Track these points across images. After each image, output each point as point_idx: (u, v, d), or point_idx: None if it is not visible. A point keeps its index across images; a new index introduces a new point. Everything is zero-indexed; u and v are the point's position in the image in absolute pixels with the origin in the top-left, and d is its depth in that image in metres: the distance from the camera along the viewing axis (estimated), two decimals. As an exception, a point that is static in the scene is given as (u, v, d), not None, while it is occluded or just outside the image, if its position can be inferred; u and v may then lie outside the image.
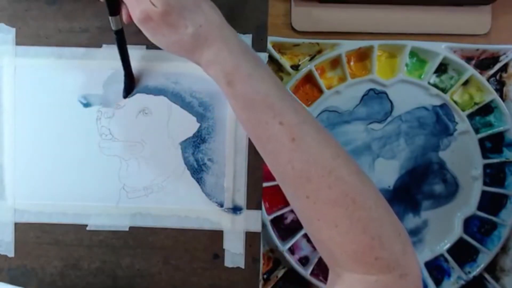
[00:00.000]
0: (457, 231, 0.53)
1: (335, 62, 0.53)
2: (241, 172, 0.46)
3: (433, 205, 0.54)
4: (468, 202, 0.53)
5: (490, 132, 0.53)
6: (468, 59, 0.53)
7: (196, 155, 0.46)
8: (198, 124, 0.46)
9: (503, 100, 0.53)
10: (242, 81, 0.35)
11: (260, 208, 0.46)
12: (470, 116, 0.53)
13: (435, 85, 0.53)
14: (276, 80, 0.36)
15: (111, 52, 0.45)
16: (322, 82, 0.52)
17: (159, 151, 0.46)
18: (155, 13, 0.34)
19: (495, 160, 0.53)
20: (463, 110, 0.53)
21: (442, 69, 0.53)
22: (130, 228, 0.46)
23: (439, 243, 0.53)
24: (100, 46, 0.46)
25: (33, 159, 0.46)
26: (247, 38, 0.45)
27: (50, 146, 0.46)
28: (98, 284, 0.46)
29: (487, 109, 0.53)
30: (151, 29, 0.36)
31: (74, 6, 0.46)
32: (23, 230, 0.46)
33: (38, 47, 0.46)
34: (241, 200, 0.46)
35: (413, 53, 0.53)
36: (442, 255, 0.53)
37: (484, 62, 0.53)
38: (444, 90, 0.53)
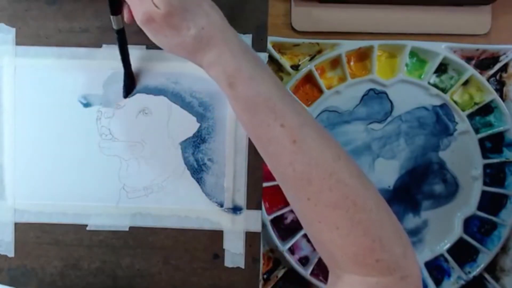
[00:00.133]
0: (457, 231, 0.53)
1: (335, 62, 0.53)
2: (241, 172, 0.46)
3: (433, 205, 0.54)
4: (468, 202, 0.53)
5: (490, 132, 0.53)
6: (468, 59, 0.53)
7: (196, 155, 0.46)
8: (198, 124, 0.46)
9: (503, 100, 0.53)
10: (244, 83, 0.35)
11: (260, 208, 0.46)
12: (470, 116, 0.53)
13: (435, 85, 0.53)
14: (277, 81, 0.36)
15: (111, 52, 0.45)
16: (322, 82, 0.52)
17: (159, 151, 0.46)
18: (158, 14, 0.34)
19: (495, 160, 0.53)
20: (463, 110, 0.53)
21: (442, 69, 0.53)
22: (130, 228, 0.46)
23: (439, 243, 0.53)
24: (100, 46, 0.46)
25: (33, 159, 0.46)
26: (247, 38, 0.45)
27: (50, 146, 0.46)
28: (98, 284, 0.46)
29: (487, 109, 0.53)
30: (153, 30, 0.36)
31: (74, 6, 0.46)
32: (23, 230, 0.46)
33: (38, 47, 0.46)
34: (241, 200, 0.46)
35: (413, 53, 0.53)
36: (442, 255, 0.53)
37: (484, 62, 0.53)
38: (444, 90, 0.53)
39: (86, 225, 0.46)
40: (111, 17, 0.39)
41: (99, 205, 0.46)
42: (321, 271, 0.52)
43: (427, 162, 0.53)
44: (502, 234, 0.53)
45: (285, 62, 0.52)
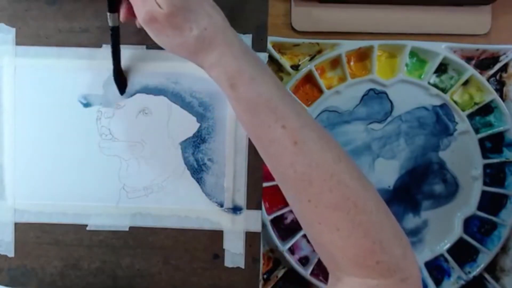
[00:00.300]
0: (457, 231, 0.53)
1: (335, 62, 0.53)
2: (241, 172, 0.46)
3: (433, 205, 0.54)
4: (468, 202, 0.53)
5: (490, 132, 0.53)
6: (468, 59, 0.53)
7: (196, 155, 0.46)
8: (198, 124, 0.46)
9: (503, 100, 0.53)
10: (245, 84, 0.35)
11: (260, 208, 0.46)
12: (470, 116, 0.53)
13: (435, 85, 0.53)
14: (278, 83, 0.36)
15: (111, 52, 0.45)
16: (322, 82, 0.52)
17: (159, 151, 0.46)
18: (160, 14, 0.34)
19: (495, 160, 0.53)
20: (463, 110, 0.53)
21: (442, 69, 0.53)
22: (130, 228, 0.46)
23: (439, 243, 0.53)
24: (100, 46, 0.46)
25: (33, 159, 0.46)
26: (247, 38, 0.45)
27: (50, 146, 0.46)
28: (98, 284, 0.46)
29: (487, 109, 0.53)
30: (156, 30, 0.36)
31: (74, 6, 0.46)
32: (23, 230, 0.46)
33: (38, 47, 0.46)
34: (241, 200, 0.46)
35: (413, 53, 0.53)
36: (442, 255, 0.53)
37: (484, 62, 0.53)
38: (444, 90, 0.53)
39: (86, 225, 0.46)
40: (108, 14, 0.39)
41: (99, 205, 0.46)
42: (321, 271, 0.52)
43: (427, 162, 0.53)
44: (502, 234, 0.53)
45: (285, 62, 0.52)
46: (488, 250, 0.53)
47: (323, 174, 0.34)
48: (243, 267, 0.46)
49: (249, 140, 0.45)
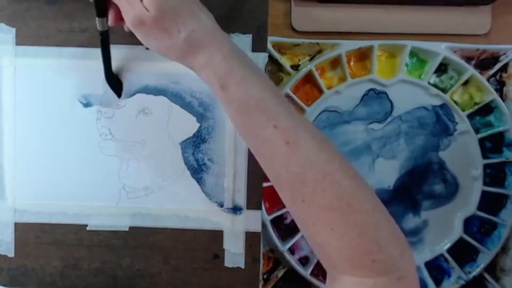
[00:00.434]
0: (457, 231, 0.53)
1: (335, 62, 0.53)
2: (241, 172, 0.46)
3: (433, 205, 0.54)
4: (468, 202, 0.53)
5: (490, 132, 0.53)
6: (468, 59, 0.53)
7: (196, 155, 0.46)
8: (198, 124, 0.46)
9: (503, 100, 0.53)
10: (236, 85, 0.35)
11: (260, 208, 0.46)
12: (470, 116, 0.53)
13: (435, 85, 0.53)
14: (270, 84, 0.36)
15: (111, 52, 0.45)
16: (322, 82, 0.52)
17: (159, 151, 0.46)
18: (148, 17, 0.34)
19: (495, 160, 0.53)
20: (463, 110, 0.53)
21: (442, 69, 0.53)
22: (130, 228, 0.46)
23: (439, 243, 0.53)
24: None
25: (33, 159, 0.46)
26: (247, 38, 0.45)
27: (50, 146, 0.46)
28: (98, 284, 0.46)
29: (487, 109, 0.53)
30: (144, 33, 0.36)
31: (74, 6, 0.46)
32: (23, 230, 0.46)
33: (38, 47, 0.46)
34: (241, 200, 0.46)
35: (413, 53, 0.53)
36: (442, 255, 0.53)
37: (484, 62, 0.53)
38: (444, 90, 0.53)
39: (86, 225, 0.46)
40: (97, 19, 0.40)
41: (99, 205, 0.46)
42: (321, 271, 0.52)
43: (427, 162, 0.53)
44: (502, 234, 0.53)
45: (285, 62, 0.52)
46: (488, 250, 0.53)
47: (316, 174, 0.34)
48: (243, 267, 0.46)
49: (249, 140, 0.45)
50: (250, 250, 0.46)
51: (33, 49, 0.46)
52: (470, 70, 0.52)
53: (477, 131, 0.53)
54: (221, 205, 0.46)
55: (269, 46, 0.50)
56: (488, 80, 0.53)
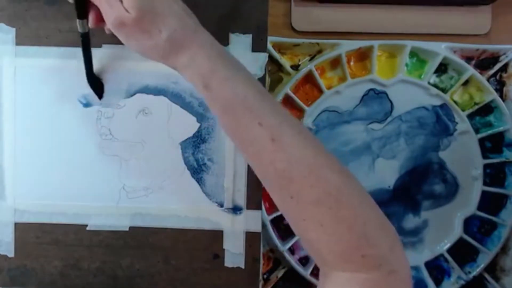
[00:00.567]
0: (457, 231, 0.53)
1: (335, 62, 0.53)
2: (241, 172, 0.46)
3: (433, 205, 0.54)
4: (468, 202, 0.53)
5: (490, 132, 0.53)
6: (468, 59, 0.53)
7: (196, 155, 0.46)
8: (198, 124, 0.46)
9: (503, 100, 0.53)
10: (219, 84, 0.35)
11: (260, 208, 0.46)
12: (470, 116, 0.53)
13: (435, 85, 0.53)
14: (254, 82, 0.36)
15: (111, 52, 0.45)
16: (322, 82, 0.52)
17: (159, 151, 0.46)
18: (129, 19, 0.34)
19: (495, 160, 0.53)
20: (463, 110, 0.53)
21: (442, 69, 0.53)
22: (130, 228, 0.46)
23: (439, 243, 0.53)
24: (100, 46, 0.46)
25: (33, 159, 0.46)
26: (247, 38, 0.45)
27: (50, 146, 0.46)
28: (98, 284, 0.46)
29: (487, 109, 0.53)
30: (125, 34, 0.36)
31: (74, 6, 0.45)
32: (23, 230, 0.46)
33: (38, 47, 0.46)
34: (241, 200, 0.46)
35: (413, 53, 0.53)
36: (442, 255, 0.53)
37: (484, 62, 0.53)
38: (444, 90, 0.53)
39: (86, 225, 0.46)
40: (77, 20, 0.40)
41: (99, 205, 0.46)
42: (321, 271, 0.52)
43: (427, 162, 0.53)
44: (502, 234, 0.53)
45: (285, 62, 0.52)
46: (488, 250, 0.53)
47: (303, 170, 0.34)
48: (243, 267, 0.46)
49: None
50: (250, 250, 0.46)
51: (33, 49, 0.46)
52: (470, 70, 0.52)
53: (477, 131, 0.53)
54: (221, 205, 0.46)
55: (269, 46, 0.50)
56: (488, 80, 0.53)
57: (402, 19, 0.53)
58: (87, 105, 0.46)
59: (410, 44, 0.51)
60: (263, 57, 0.46)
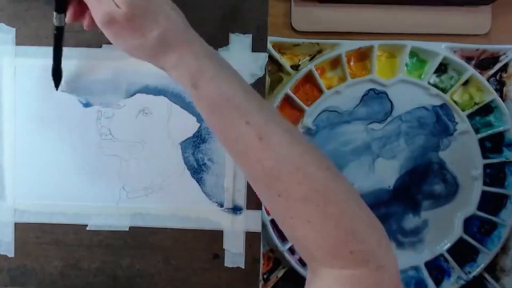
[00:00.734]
0: (457, 231, 0.53)
1: (335, 62, 0.53)
2: (241, 172, 0.46)
3: (433, 205, 0.54)
4: (468, 202, 0.53)
5: (490, 132, 0.53)
6: (468, 59, 0.53)
7: (196, 155, 0.46)
8: (198, 124, 0.46)
9: (503, 100, 0.53)
10: (207, 83, 0.35)
11: (260, 208, 0.46)
12: (470, 116, 0.53)
13: (435, 85, 0.53)
14: (241, 81, 0.36)
15: (111, 52, 0.45)
16: (322, 82, 0.52)
17: (159, 151, 0.46)
18: (120, 15, 0.34)
19: (495, 160, 0.53)
20: (463, 110, 0.53)
21: (442, 69, 0.53)
22: (130, 228, 0.46)
23: (439, 243, 0.53)
24: (100, 46, 0.46)
25: (33, 159, 0.46)
26: (247, 38, 0.45)
27: (50, 146, 0.46)
28: (98, 284, 0.46)
29: (487, 109, 0.53)
30: (114, 32, 0.35)
31: (74, 6, 0.46)
32: (23, 230, 0.46)
33: (38, 47, 0.46)
34: (241, 200, 0.46)
35: (413, 53, 0.53)
36: (442, 255, 0.53)
37: (484, 62, 0.53)
38: (444, 90, 0.53)
39: (86, 225, 0.46)
40: (54, 13, 0.39)
41: (99, 205, 0.46)
42: (321, 271, 0.52)
43: (427, 162, 0.53)
44: (502, 234, 0.53)
45: (285, 62, 0.52)
46: (488, 250, 0.53)
47: (290, 168, 0.34)
48: (243, 267, 0.46)
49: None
50: (250, 250, 0.46)
51: (33, 49, 0.46)
52: (470, 70, 0.52)
53: (477, 131, 0.53)
54: (221, 205, 0.46)
55: (269, 46, 0.50)
56: (488, 80, 0.53)
57: (402, 19, 0.53)
58: (87, 105, 0.46)
59: (410, 44, 0.51)
60: (263, 57, 0.46)
